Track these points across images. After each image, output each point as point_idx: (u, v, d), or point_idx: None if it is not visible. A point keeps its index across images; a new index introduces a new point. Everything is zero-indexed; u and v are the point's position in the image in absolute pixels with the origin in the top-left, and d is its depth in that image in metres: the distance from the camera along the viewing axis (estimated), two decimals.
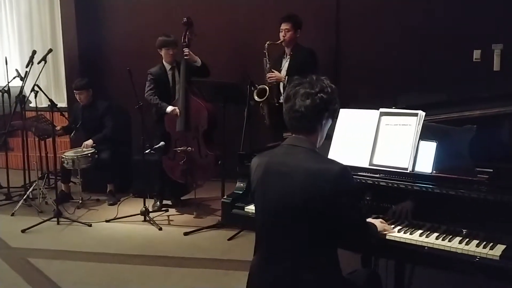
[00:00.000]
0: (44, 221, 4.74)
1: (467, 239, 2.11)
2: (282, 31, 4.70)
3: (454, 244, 2.09)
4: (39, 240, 4.44)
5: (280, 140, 2.47)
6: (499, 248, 2.01)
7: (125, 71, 4.64)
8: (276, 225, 2.00)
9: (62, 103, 6.63)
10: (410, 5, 5.10)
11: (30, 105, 6.00)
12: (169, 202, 5.30)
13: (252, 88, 4.61)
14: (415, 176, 2.33)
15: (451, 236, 2.15)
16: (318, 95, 1.98)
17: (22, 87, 5.55)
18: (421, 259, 2.22)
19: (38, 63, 5.45)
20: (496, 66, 4.84)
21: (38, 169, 5.46)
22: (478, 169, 2.25)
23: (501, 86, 4.53)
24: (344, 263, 2.05)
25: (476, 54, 4.88)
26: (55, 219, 4.78)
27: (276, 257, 1.99)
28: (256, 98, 4.70)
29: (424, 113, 2.40)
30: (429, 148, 2.35)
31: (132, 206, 5.14)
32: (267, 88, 4.68)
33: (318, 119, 2.01)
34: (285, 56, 4.83)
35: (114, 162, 5.47)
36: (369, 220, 2.22)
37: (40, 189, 5.26)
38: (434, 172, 2.32)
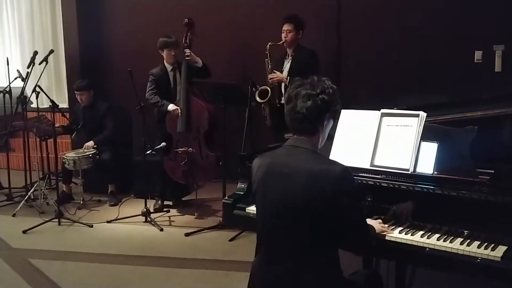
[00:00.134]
0: (45, 221, 4.74)
1: (469, 240, 2.11)
2: (284, 32, 4.69)
3: (456, 245, 2.09)
4: (40, 241, 4.44)
5: (282, 141, 2.47)
6: (501, 249, 2.01)
7: (126, 71, 4.64)
8: (277, 225, 2.00)
9: (63, 104, 6.61)
10: (410, 5, 5.09)
11: (32, 105, 6.01)
12: (170, 203, 5.29)
13: (254, 89, 4.61)
14: (416, 177, 2.33)
15: (452, 237, 2.15)
16: (320, 96, 1.98)
17: (23, 88, 5.54)
18: (422, 260, 2.21)
19: (40, 63, 5.44)
20: (498, 67, 4.83)
21: (39, 169, 5.48)
22: (479, 170, 2.25)
23: (502, 87, 4.54)
24: (345, 263, 2.05)
25: (478, 55, 4.88)
26: (56, 220, 4.78)
27: (277, 257, 1.99)
28: (258, 99, 4.69)
29: (425, 114, 2.39)
30: (430, 149, 2.35)
31: (133, 207, 5.15)
32: (269, 89, 4.68)
33: (320, 120, 2.01)
34: (287, 57, 4.81)
35: (115, 163, 5.47)
36: (367, 221, 2.21)
37: (41, 189, 5.26)
38: (435, 173, 2.32)
